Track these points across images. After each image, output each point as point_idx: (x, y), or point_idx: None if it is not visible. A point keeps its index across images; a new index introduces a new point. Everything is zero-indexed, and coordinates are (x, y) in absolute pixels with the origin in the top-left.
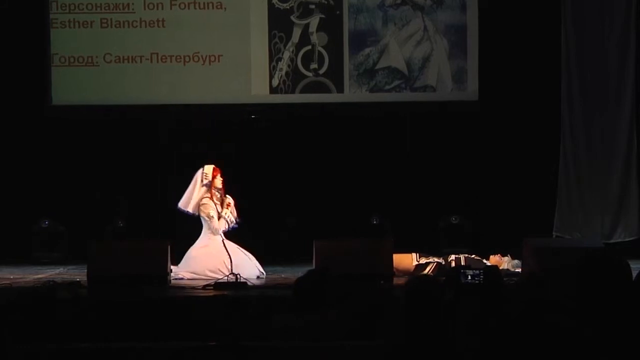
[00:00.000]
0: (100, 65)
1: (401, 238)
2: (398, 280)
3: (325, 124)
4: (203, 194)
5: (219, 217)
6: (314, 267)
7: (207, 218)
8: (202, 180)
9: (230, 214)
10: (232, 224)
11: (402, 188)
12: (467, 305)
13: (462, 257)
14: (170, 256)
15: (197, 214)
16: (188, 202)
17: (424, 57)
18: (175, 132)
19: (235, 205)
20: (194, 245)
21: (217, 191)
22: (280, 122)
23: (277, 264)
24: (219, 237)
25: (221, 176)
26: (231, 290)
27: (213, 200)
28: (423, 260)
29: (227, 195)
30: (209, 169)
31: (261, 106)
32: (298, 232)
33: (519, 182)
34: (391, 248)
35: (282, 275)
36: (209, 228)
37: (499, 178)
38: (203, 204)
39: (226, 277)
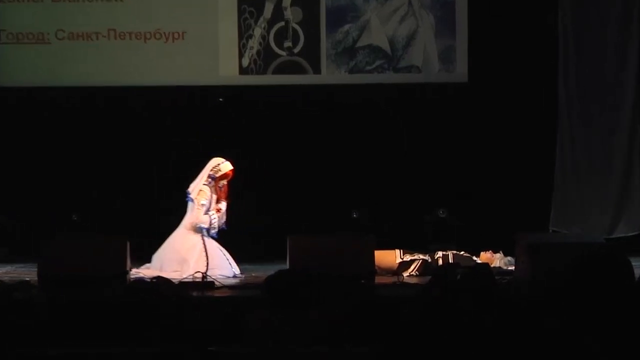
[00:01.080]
0: (52, 43)
1: (383, 233)
2: (380, 279)
3: (300, 108)
4: (205, 182)
5: (205, 213)
6: (287, 265)
7: (196, 203)
8: (211, 170)
9: (217, 218)
10: (214, 229)
11: (385, 179)
12: (455, 306)
13: (450, 253)
14: (132, 254)
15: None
16: (194, 187)
17: (408, 34)
18: (134, 117)
19: (228, 210)
20: (167, 240)
21: (220, 187)
22: (251, 106)
23: (247, 261)
24: (198, 236)
25: (233, 177)
26: (197, 290)
27: (212, 194)
28: (407, 258)
29: (223, 201)
30: (225, 166)
31: (230, 88)
32: (270, 227)
33: (513, 172)
34: (373, 244)
35: (253, 274)
36: (191, 220)
37: (490, 168)
38: (201, 190)
39: (191, 277)
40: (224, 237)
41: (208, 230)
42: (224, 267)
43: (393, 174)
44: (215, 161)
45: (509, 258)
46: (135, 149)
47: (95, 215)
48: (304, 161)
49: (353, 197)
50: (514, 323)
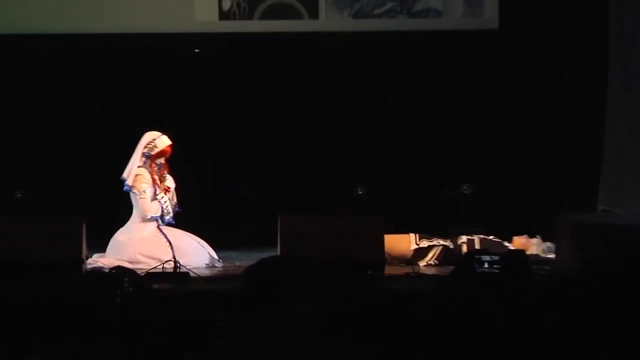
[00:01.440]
0: None
1: (395, 213)
2: (391, 270)
3: (294, 61)
4: (139, 163)
5: (153, 199)
6: (278, 251)
7: (137, 193)
8: (145, 147)
9: (168, 200)
10: (169, 214)
11: (396, 147)
12: (482, 302)
13: (476, 238)
14: (89, 239)
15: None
16: (129, 172)
17: None
18: (97, 70)
19: (177, 190)
20: (120, 230)
21: (158, 165)
22: (233, 58)
23: (230, 247)
24: (152, 224)
25: (166, 160)
26: (167, 282)
27: (152, 175)
28: (424, 243)
29: (168, 176)
30: (162, 142)
31: (208, 36)
32: (257, 205)
33: (551, 139)
34: (382, 227)
35: (237, 264)
36: (138, 210)
37: (525, 134)
38: (137, 174)
39: (161, 266)
40: (195, 219)
41: (162, 217)
42: (195, 254)
43: (406, 141)
44: (149, 136)
45: (548, 244)
46: (94, 110)
47: (45, 193)
48: (297, 125)
49: (357, 169)
50: (554, 326)
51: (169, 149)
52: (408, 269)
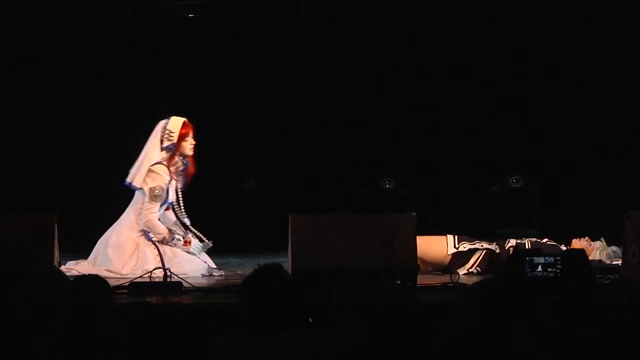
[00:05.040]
0: None
1: (429, 212)
2: (424, 279)
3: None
4: (156, 159)
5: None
6: (289, 255)
7: (148, 194)
8: (162, 141)
9: (177, 245)
10: (167, 244)
11: (429, 129)
12: (537, 312)
13: (527, 241)
14: (64, 239)
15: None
16: (136, 173)
17: None
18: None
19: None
20: (106, 233)
21: (183, 160)
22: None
23: (229, 253)
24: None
25: (194, 137)
26: (156, 294)
27: (170, 173)
28: (465, 247)
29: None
30: (175, 124)
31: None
32: (261, 201)
33: (619, 119)
34: (414, 227)
35: (239, 272)
36: (138, 218)
37: (585, 113)
38: (152, 170)
39: (149, 275)
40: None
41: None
42: (187, 261)
43: (440, 120)
44: (159, 127)
45: (613, 248)
46: (63, 88)
47: (10, 187)
48: (306, 100)
49: (382, 158)
50: (622, 344)
51: (186, 130)
52: (445, 278)
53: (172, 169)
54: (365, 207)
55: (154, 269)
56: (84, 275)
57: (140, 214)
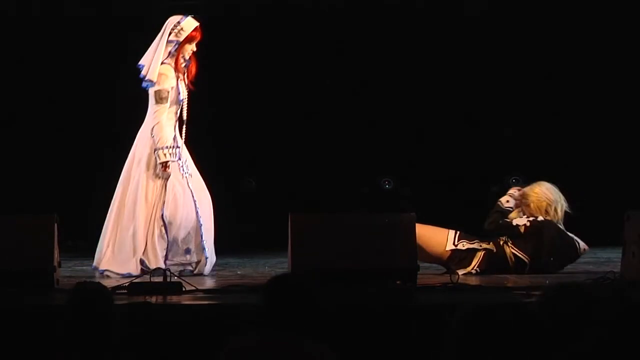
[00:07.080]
0: None
1: (429, 211)
2: (424, 279)
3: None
4: (164, 55)
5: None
6: (289, 257)
7: (154, 96)
8: (169, 33)
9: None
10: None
11: (429, 129)
12: None
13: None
14: (60, 239)
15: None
16: (149, 62)
17: None
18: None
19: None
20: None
21: (185, 61)
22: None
23: (228, 253)
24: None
25: (197, 45)
26: (156, 294)
27: (178, 68)
28: (464, 245)
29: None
30: (189, 24)
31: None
32: (261, 200)
33: (619, 119)
34: (413, 227)
35: (238, 272)
36: (151, 122)
37: (585, 113)
38: (162, 73)
39: (148, 274)
40: None
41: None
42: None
43: (443, 119)
44: (173, 19)
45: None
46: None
47: (10, 187)
48: (306, 96)
49: (382, 158)
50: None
51: (195, 34)
52: (445, 278)
53: (177, 64)
54: (365, 207)
55: (154, 269)
56: (85, 281)
57: (151, 122)
